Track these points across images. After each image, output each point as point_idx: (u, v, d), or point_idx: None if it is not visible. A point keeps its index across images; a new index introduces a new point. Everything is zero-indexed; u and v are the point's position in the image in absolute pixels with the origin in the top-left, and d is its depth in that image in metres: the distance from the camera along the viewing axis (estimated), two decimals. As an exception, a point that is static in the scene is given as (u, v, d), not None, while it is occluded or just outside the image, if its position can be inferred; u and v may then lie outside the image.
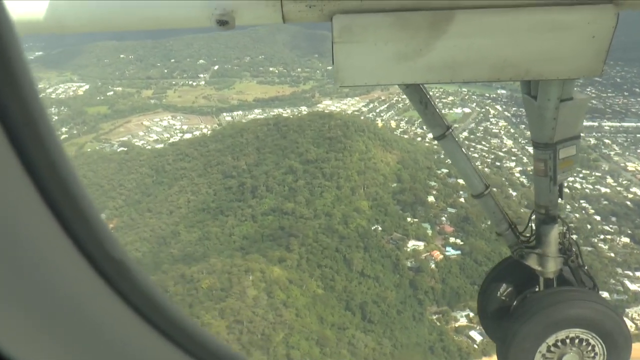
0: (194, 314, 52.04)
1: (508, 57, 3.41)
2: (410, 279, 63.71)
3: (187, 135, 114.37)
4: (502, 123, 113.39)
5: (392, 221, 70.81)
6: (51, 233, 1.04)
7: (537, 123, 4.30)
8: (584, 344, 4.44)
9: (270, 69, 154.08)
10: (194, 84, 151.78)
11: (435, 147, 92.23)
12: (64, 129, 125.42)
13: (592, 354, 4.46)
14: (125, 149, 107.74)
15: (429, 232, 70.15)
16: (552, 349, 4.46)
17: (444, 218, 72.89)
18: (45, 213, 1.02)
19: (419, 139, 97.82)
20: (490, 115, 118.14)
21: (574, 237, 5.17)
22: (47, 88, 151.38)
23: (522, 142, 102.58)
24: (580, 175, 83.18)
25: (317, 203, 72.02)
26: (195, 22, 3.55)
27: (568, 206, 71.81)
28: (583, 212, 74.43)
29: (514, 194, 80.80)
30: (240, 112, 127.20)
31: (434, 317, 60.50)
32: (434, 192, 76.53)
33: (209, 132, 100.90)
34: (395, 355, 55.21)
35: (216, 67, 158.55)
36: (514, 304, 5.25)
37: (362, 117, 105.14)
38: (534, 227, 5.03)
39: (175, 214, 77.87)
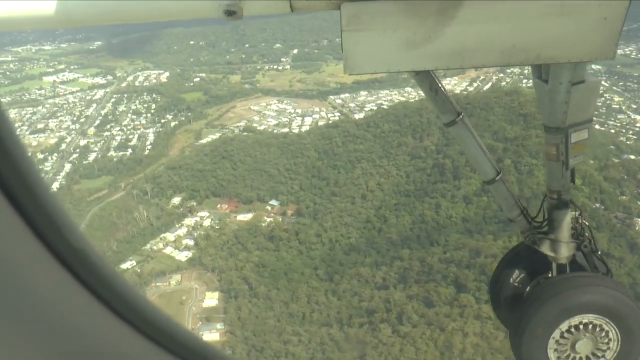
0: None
1: (518, 41, 3.23)
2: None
3: (308, 119, 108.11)
4: (617, 98, 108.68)
5: (611, 199, 66.28)
6: (10, 223, 0.98)
7: (548, 107, 4.06)
8: (598, 329, 4.21)
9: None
10: (280, 68, 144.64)
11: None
12: (169, 116, 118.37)
13: (606, 340, 4.23)
14: (250, 133, 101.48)
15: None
16: (566, 335, 4.22)
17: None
18: (2, 201, 0.96)
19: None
20: (600, 91, 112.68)
21: (586, 222, 4.83)
22: (127, 76, 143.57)
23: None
24: None
25: (530, 182, 66.97)
26: (203, 13, 3.40)
27: None
28: None
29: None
30: (347, 95, 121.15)
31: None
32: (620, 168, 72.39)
33: (361, 116, 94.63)
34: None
35: (295, 51, 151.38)
36: (527, 290, 5.00)
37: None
38: (546, 213, 4.77)
39: (370, 198, 72.03)
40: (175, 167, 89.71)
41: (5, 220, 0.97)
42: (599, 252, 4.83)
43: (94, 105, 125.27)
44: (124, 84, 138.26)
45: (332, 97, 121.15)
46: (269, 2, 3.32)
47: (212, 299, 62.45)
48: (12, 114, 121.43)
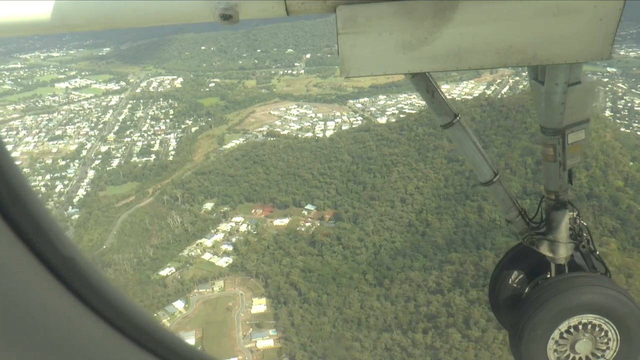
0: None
1: (515, 42, 3.24)
2: None
3: (330, 123, 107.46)
4: (637, 100, 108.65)
5: (656, 200, 65.87)
6: None
7: (545, 108, 4.10)
8: (597, 329, 4.24)
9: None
10: (294, 72, 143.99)
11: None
12: (188, 122, 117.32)
13: (605, 340, 4.25)
14: (274, 138, 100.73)
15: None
16: (565, 335, 4.25)
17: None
18: None
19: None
20: (619, 93, 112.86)
21: (584, 222, 4.84)
22: (140, 82, 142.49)
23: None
24: None
25: (573, 184, 66.52)
26: (198, 17, 3.41)
27: None
28: None
29: None
30: (366, 99, 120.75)
31: None
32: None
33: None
34: None
35: (308, 56, 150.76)
36: (526, 291, 5.02)
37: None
38: (544, 214, 4.82)
39: (410, 202, 71.33)
40: (205, 172, 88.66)
41: None
42: (597, 252, 4.84)
43: (111, 111, 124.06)
44: (138, 90, 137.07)
45: (351, 101, 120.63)
46: (265, 5, 3.28)
47: (259, 305, 61.48)
48: (28, 120, 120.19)
